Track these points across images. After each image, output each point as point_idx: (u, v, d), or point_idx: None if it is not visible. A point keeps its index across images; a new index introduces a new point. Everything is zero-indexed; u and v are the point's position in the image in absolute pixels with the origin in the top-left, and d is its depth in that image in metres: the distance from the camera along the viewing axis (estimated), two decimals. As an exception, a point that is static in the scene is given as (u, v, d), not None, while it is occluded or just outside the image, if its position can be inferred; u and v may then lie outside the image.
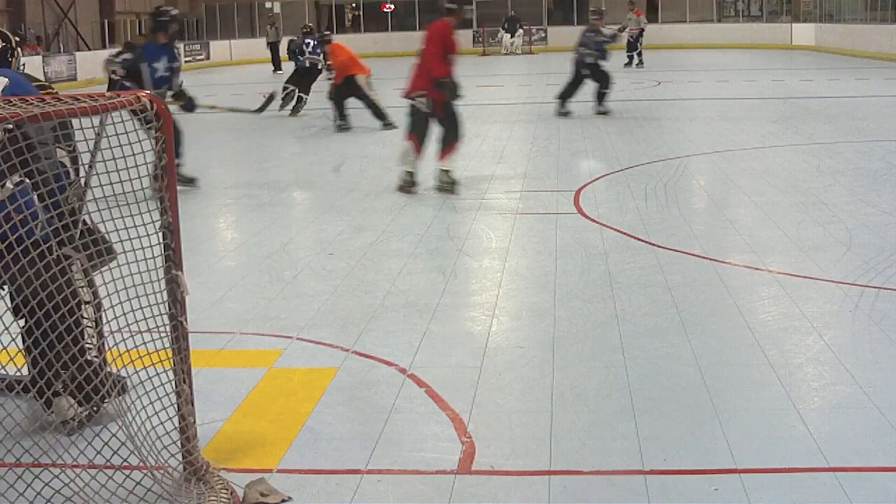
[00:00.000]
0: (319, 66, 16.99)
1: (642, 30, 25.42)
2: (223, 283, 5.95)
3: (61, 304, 3.16)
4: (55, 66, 25.66)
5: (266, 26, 29.64)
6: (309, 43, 17.03)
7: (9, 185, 3.22)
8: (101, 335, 3.66)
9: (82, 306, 3.52)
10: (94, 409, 3.60)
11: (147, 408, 3.22)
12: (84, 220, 3.36)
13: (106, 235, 3.38)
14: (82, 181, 3.35)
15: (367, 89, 14.40)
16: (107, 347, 3.58)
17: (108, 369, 3.56)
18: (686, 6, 38.47)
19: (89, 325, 3.61)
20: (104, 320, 3.55)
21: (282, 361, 4.48)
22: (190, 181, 9.20)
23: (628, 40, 24.76)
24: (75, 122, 3.34)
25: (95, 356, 3.58)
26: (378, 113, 14.10)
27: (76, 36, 32.48)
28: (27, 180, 3.25)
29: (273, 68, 28.81)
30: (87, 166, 3.25)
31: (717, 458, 3.35)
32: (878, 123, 12.93)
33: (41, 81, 4.02)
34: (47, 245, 3.08)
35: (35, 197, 3.30)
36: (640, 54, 25.35)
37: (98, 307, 3.66)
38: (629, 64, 25.18)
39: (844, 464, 3.27)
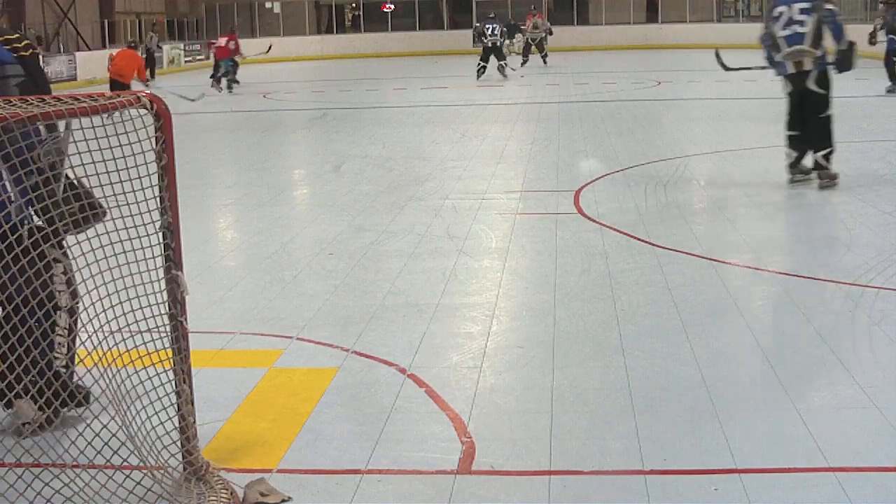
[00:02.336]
0: (497, 44, 23.39)
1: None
2: (223, 283, 5.95)
3: (41, 299, 3.07)
4: (55, 66, 25.67)
5: (149, 34, 30.45)
6: (488, 27, 23.27)
7: None
8: (73, 342, 3.61)
9: (58, 312, 3.47)
10: (54, 414, 3.51)
11: (147, 408, 3.21)
12: (67, 176, 3.21)
13: (92, 192, 3.24)
14: (60, 135, 3.18)
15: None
16: (77, 356, 3.54)
17: (73, 378, 3.53)
18: (686, 6, 38.49)
19: (61, 332, 3.56)
20: (78, 326, 3.52)
21: (282, 361, 4.48)
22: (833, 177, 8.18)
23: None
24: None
25: (63, 365, 3.54)
26: None
27: (76, 36, 32.47)
28: None
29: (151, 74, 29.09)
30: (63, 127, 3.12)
31: (717, 458, 3.35)
32: (878, 123, 12.93)
33: (9, 35, 3.65)
34: (25, 228, 2.99)
35: (6, 178, 3.19)
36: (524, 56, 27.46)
37: (73, 316, 3.59)
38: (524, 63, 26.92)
39: (844, 464, 3.26)
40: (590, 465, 3.32)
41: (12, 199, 3.23)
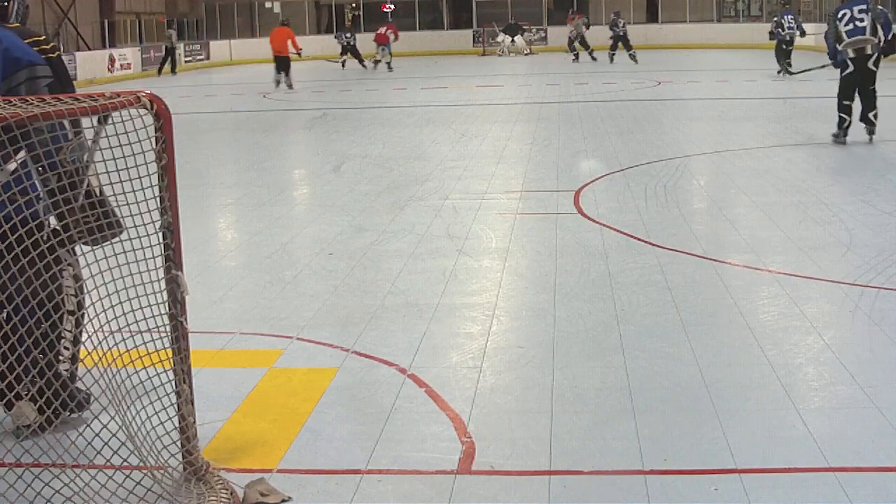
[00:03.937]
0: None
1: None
2: (223, 283, 5.95)
3: (46, 301, 3.08)
4: (55, 66, 25.67)
5: (167, 33, 31.09)
6: (620, 21, 28.12)
7: (9, 167, 3.15)
8: (76, 342, 3.60)
9: (65, 316, 3.47)
10: (54, 415, 3.51)
11: (147, 408, 3.21)
12: (90, 182, 3.28)
13: (115, 208, 3.32)
14: (87, 141, 3.24)
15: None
16: (80, 358, 3.54)
17: (75, 383, 3.53)
18: (686, 6, 38.48)
19: (67, 336, 3.55)
20: (82, 335, 3.51)
21: (282, 361, 4.48)
22: None
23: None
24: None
25: (66, 368, 3.54)
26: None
27: (76, 36, 32.46)
28: (28, 157, 3.12)
29: (172, 70, 30.28)
30: (94, 128, 3.17)
31: (717, 458, 3.35)
32: (878, 123, 12.91)
33: (37, 37, 3.78)
34: (38, 224, 3.00)
35: (35, 175, 3.22)
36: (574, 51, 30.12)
37: (78, 323, 3.59)
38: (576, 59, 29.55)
39: (844, 464, 3.27)
40: (590, 465, 3.32)
41: (41, 196, 3.25)
